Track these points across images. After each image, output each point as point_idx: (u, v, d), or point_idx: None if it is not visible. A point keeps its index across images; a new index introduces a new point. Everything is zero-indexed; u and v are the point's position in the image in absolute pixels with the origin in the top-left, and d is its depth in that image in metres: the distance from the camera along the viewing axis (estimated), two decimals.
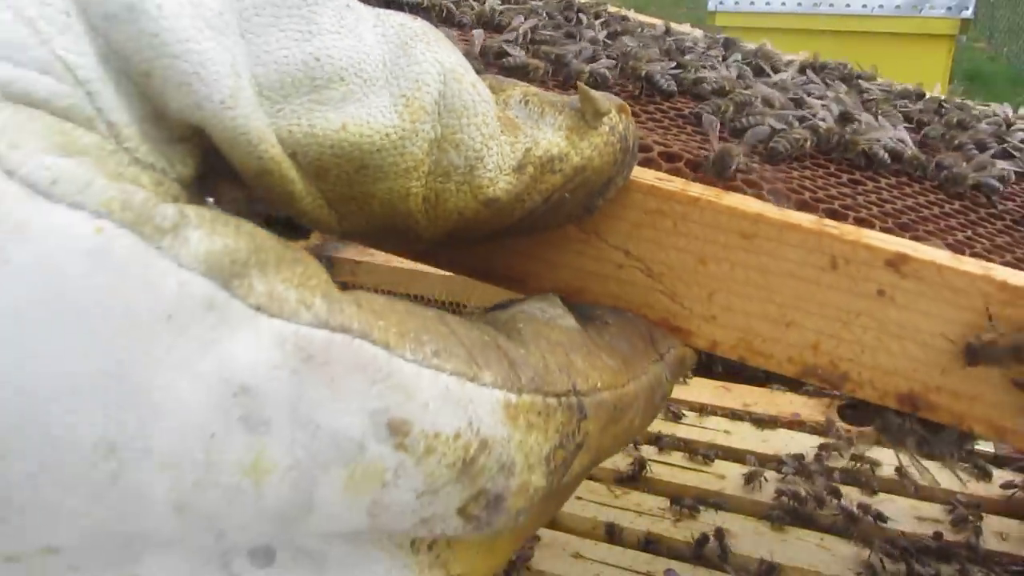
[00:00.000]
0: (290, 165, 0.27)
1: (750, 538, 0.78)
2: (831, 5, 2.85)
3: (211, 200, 0.30)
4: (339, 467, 0.24)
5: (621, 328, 0.35)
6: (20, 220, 0.20)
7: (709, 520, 0.81)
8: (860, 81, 0.68)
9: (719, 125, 0.46)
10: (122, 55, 0.24)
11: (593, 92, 0.32)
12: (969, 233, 0.41)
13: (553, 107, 0.32)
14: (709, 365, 1.15)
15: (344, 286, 0.27)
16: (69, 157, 0.21)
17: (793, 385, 1.06)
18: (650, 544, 0.78)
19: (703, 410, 0.99)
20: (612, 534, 0.79)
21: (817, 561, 0.76)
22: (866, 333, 0.35)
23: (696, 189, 0.36)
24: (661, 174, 0.38)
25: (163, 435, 0.21)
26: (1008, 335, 0.33)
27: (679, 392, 1.01)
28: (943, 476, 0.86)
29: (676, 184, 0.37)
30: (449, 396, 0.25)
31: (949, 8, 2.74)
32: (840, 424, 0.94)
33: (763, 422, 0.96)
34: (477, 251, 0.38)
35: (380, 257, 1.36)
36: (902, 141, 0.50)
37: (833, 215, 0.39)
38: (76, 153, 0.21)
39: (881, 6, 2.82)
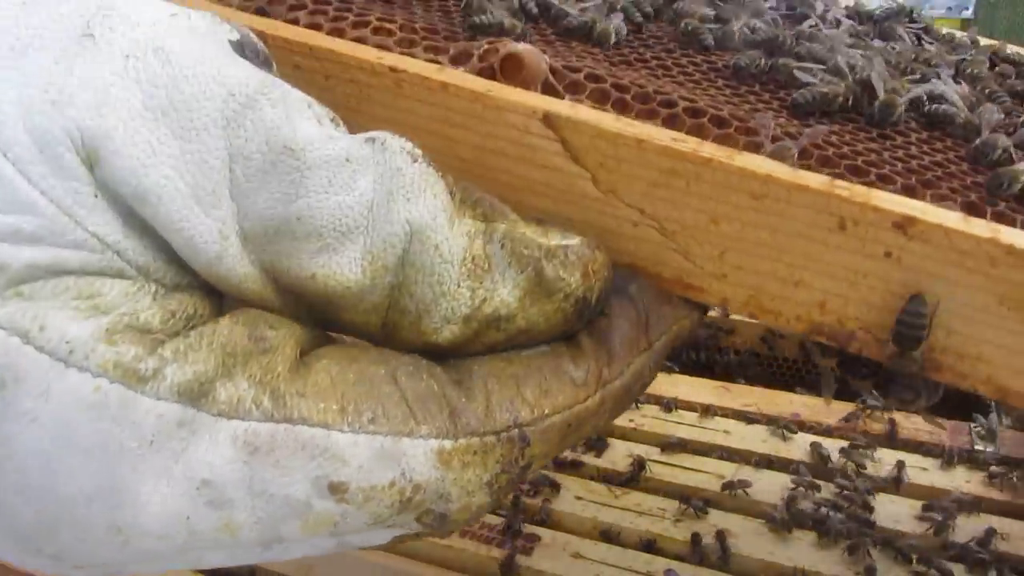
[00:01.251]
0: (270, 291, 0.33)
1: (750, 538, 0.78)
2: None
3: None
4: (294, 519, 0.31)
5: (617, 317, 0.38)
6: (45, 386, 0.28)
7: (710, 520, 0.81)
8: (912, 28, 0.65)
9: (772, 123, 0.43)
10: (141, 219, 0.30)
11: (549, 271, 0.34)
12: None
13: (520, 262, 0.34)
14: (710, 366, 1.15)
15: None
16: (84, 322, 0.29)
17: (792, 385, 1.06)
18: (650, 544, 0.78)
19: (703, 410, 0.98)
20: (612, 534, 0.79)
21: (817, 561, 0.75)
22: (873, 293, 0.35)
23: (708, 149, 0.37)
24: (676, 134, 0.38)
25: (152, 521, 0.30)
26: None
27: (680, 392, 1.01)
28: (945, 476, 0.86)
29: (690, 144, 0.37)
30: (383, 454, 0.31)
31: (949, 8, 2.74)
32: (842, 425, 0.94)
33: (763, 422, 0.96)
34: None
35: None
36: (944, 99, 0.49)
37: (855, 171, 0.39)
38: (95, 314, 0.29)
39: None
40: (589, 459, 0.89)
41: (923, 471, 0.87)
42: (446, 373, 0.34)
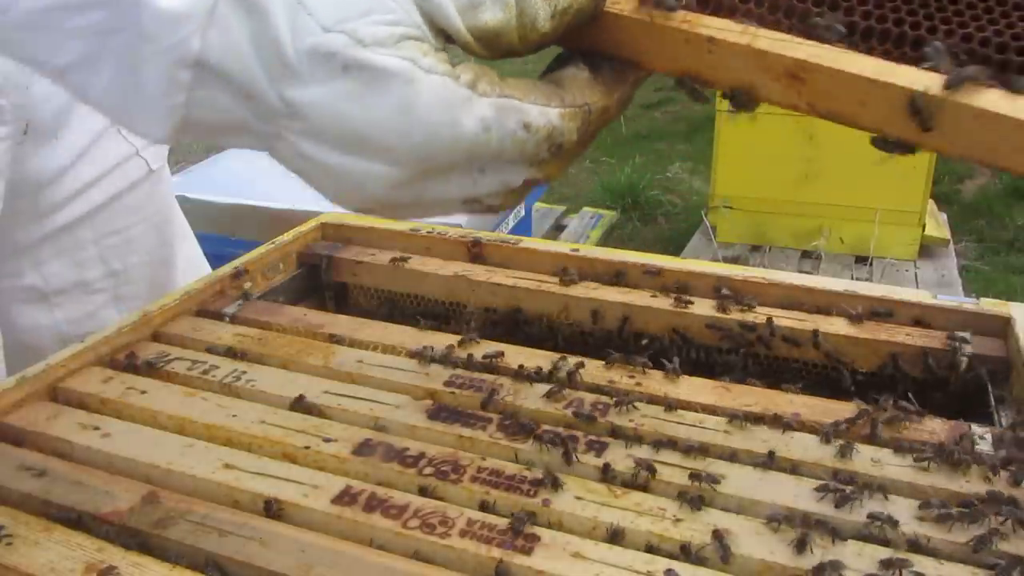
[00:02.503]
0: (473, 43, 0.65)
1: (750, 538, 0.79)
2: None
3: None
4: (510, 139, 0.66)
5: (612, 70, 0.74)
6: (424, 80, 0.63)
7: (710, 520, 0.81)
8: None
9: None
10: (426, 12, 0.64)
11: None
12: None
13: None
14: (711, 365, 1.15)
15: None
16: (428, 56, 0.63)
17: (786, 384, 1.07)
18: (650, 544, 0.78)
19: (703, 410, 0.98)
20: (613, 534, 0.80)
21: (818, 562, 0.75)
22: (730, 70, 0.71)
23: (641, 13, 0.72)
24: (620, 3, 0.73)
25: (465, 131, 0.65)
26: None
27: (680, 392, 1.02)
28: (945, 476, 0.86)
29: (638, 14, 0.73)
30: (542, 112, 0.67)
31: None
32: (844, 424, 0.94)
33: (763, 422, 0.96)
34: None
35: (382, 257, 1.37)
36: None
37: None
38: (429, 54, 0.63)
39: None
40: (589, 459, 0.90)
41: (923, 471, 0.87)
42: (551, 83, 0.71)
